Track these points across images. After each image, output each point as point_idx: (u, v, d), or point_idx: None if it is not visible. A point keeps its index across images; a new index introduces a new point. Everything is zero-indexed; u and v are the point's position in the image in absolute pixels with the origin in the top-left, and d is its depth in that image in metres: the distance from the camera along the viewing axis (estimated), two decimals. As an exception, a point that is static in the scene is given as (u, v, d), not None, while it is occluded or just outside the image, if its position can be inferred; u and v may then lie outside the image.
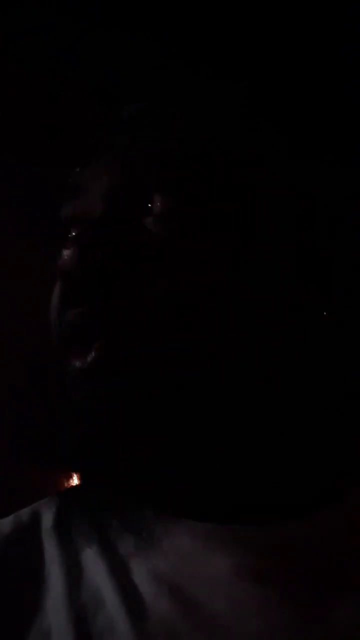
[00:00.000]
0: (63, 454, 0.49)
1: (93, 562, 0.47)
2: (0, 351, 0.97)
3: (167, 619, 0.42)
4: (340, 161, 0.52)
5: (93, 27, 0.76)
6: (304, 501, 0.45)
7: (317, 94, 0.57)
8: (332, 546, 0.45)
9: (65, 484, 0.60)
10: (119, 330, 0.44)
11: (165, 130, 0.48)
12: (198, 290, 0.45)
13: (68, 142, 0.86)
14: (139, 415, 0.44)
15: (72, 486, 0.54)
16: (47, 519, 0.51)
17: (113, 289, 0.44)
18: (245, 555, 0.44)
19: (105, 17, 0.75)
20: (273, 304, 0.46)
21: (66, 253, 0.45)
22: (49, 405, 0.51)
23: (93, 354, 0.44)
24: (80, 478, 0.53)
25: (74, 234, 0.48)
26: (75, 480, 0.56)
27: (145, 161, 0.47)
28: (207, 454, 0.43)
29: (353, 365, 0.47)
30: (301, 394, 0.44)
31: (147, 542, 0.46)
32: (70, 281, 0.45)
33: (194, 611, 0.42)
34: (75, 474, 0.53)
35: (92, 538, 0.48)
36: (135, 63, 0.71)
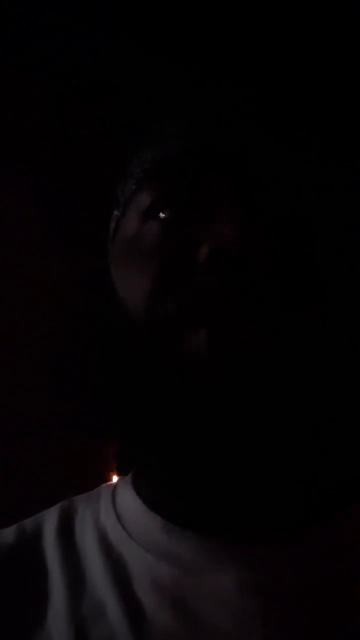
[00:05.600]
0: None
1: (95, 573, 0.47)
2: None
3: (169, 631, 0.42)
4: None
5: (94, 35, 0.76)
6: (310, 518, 0.45)
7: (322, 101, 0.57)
8: (339, 563, 0.44)
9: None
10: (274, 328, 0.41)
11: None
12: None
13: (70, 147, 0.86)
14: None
15: (75, 497, 0.54)
16: (50, 529, 0.51)
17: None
18: (250, 572, 0.43)
19: (107, 23, 0.75)
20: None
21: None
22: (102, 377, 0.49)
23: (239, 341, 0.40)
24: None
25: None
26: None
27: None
28: (218, 468, 0.43)
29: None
30: (308, 411, 0.44)
31: (151, 553, 0.46)
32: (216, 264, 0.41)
33: (196, 625, 0.42)
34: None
35: (94, 548, 0.48)
36: (139, 70, 0.71)
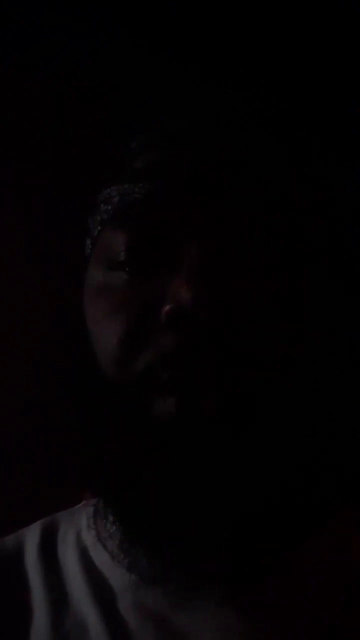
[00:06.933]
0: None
1: (78, 590, 0.46)
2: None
3: None
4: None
5: (94, 35, 0.75)
6: (289, 532, 0.45)
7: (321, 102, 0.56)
8: (319, 576, 0.44)
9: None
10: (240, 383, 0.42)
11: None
12: None
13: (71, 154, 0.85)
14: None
15: (57, 514, 0.53)
16: (31, 546, 0.50)
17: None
18: (230, 586, 0.43)
19: (107, 23, 0.74)
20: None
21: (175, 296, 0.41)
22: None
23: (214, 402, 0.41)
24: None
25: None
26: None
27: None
28: (197, 493, 0.42)
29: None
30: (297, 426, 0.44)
31: (132, 571, 0.45)
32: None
33: None
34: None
35: (76, 566, 0.48)
36: (140, 74, 0.70)
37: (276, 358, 0.43)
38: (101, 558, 0.47)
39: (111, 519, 0.46)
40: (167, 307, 0.41)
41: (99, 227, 0.48)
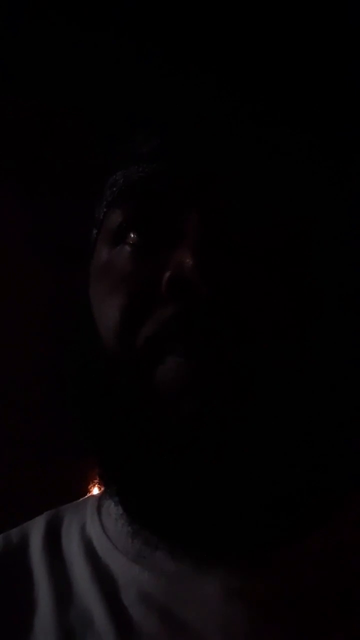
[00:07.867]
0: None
1: (82, 582, 0.47)
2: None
3: (156, 639, 0.42)
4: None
5: (91, 37, 0.76)
6: (295, 523, 0.45)
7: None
8: (325, 569, 0.44)
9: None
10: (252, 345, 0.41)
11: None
12: None
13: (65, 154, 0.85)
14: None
15: (61, 507, 0.54)
16: (36, 539, 0.51)
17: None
18: (235, 578, 0.43)
19: (104, 26, 0.75)
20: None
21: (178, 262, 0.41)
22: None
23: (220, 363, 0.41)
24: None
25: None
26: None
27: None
28: (202, 480, 0.43)
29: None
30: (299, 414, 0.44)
31: (137, 563, 0.46)
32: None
33: (183, 633, 0.42)
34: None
35: (81, 558, 0.48)
36: (138, 74, 0.70)
37: (279, 332, 0.42)
38: (105, 549, 0.48)
39: (114, 489, 0.46)
40: (168, 274, 0.41)
41: (105, 209, 0.48)
